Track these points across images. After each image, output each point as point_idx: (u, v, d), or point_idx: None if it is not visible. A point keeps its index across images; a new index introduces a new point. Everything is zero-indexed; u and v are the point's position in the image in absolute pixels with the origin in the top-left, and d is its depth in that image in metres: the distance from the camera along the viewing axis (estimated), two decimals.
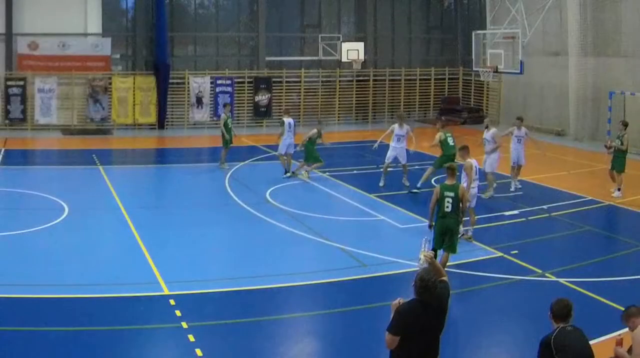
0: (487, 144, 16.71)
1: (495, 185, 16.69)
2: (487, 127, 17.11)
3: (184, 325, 9.00)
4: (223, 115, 20.40)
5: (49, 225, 13.63)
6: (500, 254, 12.25)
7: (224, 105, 21.79)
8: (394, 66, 32.56)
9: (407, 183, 17.43)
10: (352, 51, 29.07)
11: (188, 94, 28.50)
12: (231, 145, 20.14)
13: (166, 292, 10.21)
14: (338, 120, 31.19)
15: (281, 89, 30.03)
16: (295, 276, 11.05)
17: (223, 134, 19.92)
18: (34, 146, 25.09)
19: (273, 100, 29.65)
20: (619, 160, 16.62)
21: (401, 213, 15.11)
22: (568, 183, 17.78)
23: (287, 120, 19.12)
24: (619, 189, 16.60)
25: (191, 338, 8.62)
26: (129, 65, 29.41)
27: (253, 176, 19.14)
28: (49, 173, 20.03)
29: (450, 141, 16.75)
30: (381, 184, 17.63)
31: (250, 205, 15.55)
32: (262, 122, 29.49)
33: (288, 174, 18.80)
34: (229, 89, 28.99)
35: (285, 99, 29.85)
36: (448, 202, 10.68)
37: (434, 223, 10.81)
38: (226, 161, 20.10)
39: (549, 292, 10.10)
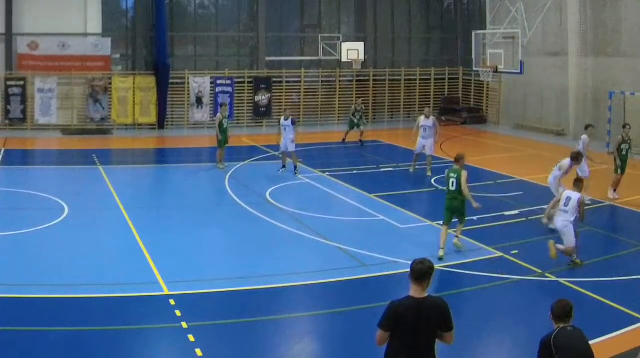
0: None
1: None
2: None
3: (184, 325, 9.00)
4: (219, 115, 20.40)
5: (49, 225, 13.63)
6: (500, 254, 12.25)
7: (221, 105, 21.76)
8: (394, 66, 32.56)
9: None
10: (352, 51, 29.11)
11: (188, 94, 28.50)
12: (226, 145, 20.13)
13: (166, 292, 10.21)
14: (338, 120, 31.17)
15: (281, 89, 30.03)
16: (295, 276, 11.05)
17: (217, 134, 20.03)
18: (34, 146, 25.08)
19: (273, 100, 29.65)
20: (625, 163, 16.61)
21: (401, 213, 15.11)
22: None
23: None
24: (614, 190, 16.58)
25: (191, 338, 8.62)
26: (129, 65, 29.40)
27: (253, 176, 19.13)
28: (49, 173, 20.04)
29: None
30: None
31: (250, 205, 15.55)
32: (262, 122, 29.48)
33: (283, 170, 19.27)
34: (229, 89, 28.99)
35: (286, 99, 29.85)
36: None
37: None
38: (224, 161, 20.08)
39: (549, 292, 10.12)
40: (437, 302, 5.73)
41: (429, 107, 21.56)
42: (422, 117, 19.65)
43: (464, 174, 12.21)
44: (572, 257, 11.70)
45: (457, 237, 12.58)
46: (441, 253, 12.04)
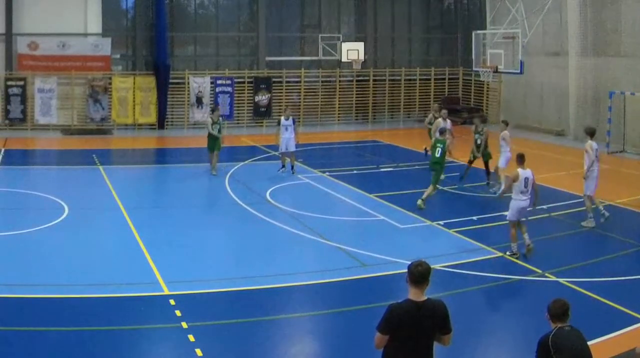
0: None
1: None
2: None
3: (184, 325, 9.00)
4: (209, 119, 19.63)
5: (49, 225, 13.63)
6: (500, 254, 12.25)
7: (212, 110, 20.89)
8: (394, 66, 32.57)
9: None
10: (352, 51, 29.09)
11: (188, 94, 28.51)
12: (217, 151, 18.93)
13: (166, 292, 10.21)
14: (338, 120, 31.20)
15: (281, 89, 30.04)
16: (295, 276, 11.06)
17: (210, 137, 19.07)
18: (34, 146, 25.08)
19: (273, 100, 29.65)
20: None
21: (401, 213, 15.11)
22: (568, 184, 17.77)
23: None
24: None
25: (191, 338, 8.62)
26: (129, 65, 29.41)
27: (253, 176, 19.13)
28: (49, 173, 20.04)
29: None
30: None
31: (250, 205, 15.55)
32: (262, 122, 29.48)
33: (282, 170, 19.24)
34: (229, 89, 28.99)
35: (286, 99, 29.85)
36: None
37: None
38: (216, 166, 19.12)
39: (549, 292, 10.10)
40: (436, 305, 5.71)
41: (444, 109, 19.68)
42: (440, 120, 18.59)
43: (448, 141, 16.16)
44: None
45: (422, 199, 15.28)
46: (419, 202, 15.27)
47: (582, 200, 14.70)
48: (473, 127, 17.77)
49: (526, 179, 12.09)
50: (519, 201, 12.10)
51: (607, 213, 14.35)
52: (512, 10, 26.04)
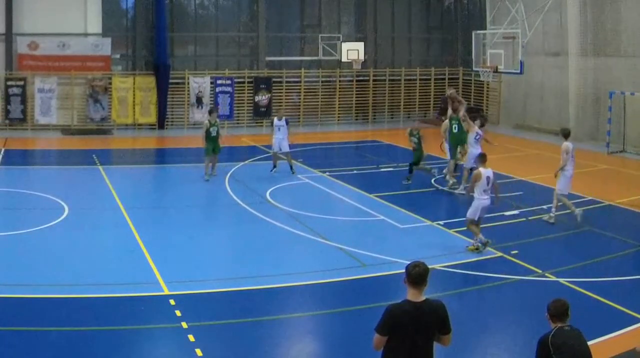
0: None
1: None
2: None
3: (184, 325, 9.01)
4: (206, 122, 18.84)
5: (49, 225, 13.63)
6: (500, 254, 12.26)
7: (210, 112, 19.94)
8: (394, 66, 32.55)
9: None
10: (352, 51, 29.07)
11: (188, 94, 28.50)
12: (216, 153, 18.44)
13: (166, 292, 10.21)
14: (338, 120, 31.18)
15: (281, 89, 30.03)
16: (295, 276, 11.06)
17: (203, 142, 18.33)
18: (34, 146, 25.08)
19: (273, 100, 29.64)
20: None
21: (401, 213, 15.11)
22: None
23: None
24: None
25: (191, 338, 8.62)
26: (129, 65, 29.40)
27: (253, 176, 19.13)
28: (49, 173, 20.04)
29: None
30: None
31: (250, 205, 15.55)
32: (262, 122, 29.46)
33: (274, 170, 19.15)
34: (229, 89, 28.99)
35: (286, 99, 29.85)
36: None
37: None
38: (215, 169, 18.71)
39: (549, 292, 10.09)
40: (435, 305, 5.71)
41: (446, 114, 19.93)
42: (447, 122, 18.27)
43: (460, 115, 17.15)
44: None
45: (446, 178, 17.17)
46: (450, 181, 17.24)
47: (581, 200, 14.74)
48: (408, 130, 18.35)
49: (488, 178, 12.37)
50: (482, 200, 12.40)
51: (553, 215, 14.41)
52: (512, 10, 26.04)
